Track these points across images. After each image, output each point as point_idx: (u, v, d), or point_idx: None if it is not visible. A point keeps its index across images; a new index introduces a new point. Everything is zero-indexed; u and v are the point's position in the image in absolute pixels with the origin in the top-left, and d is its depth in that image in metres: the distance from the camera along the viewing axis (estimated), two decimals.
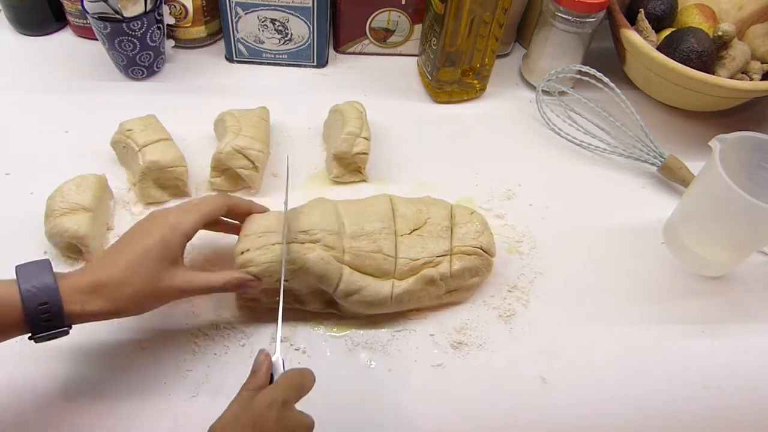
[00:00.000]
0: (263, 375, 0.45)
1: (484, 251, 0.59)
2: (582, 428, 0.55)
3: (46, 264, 0.45)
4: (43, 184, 0.61)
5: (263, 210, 0.58)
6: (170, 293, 0.50)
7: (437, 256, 0.57)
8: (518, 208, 0.70)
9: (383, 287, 0.55)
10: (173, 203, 0.66)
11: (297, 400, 0.45)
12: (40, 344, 0.54)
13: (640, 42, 0.74)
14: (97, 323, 0.55)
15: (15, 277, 0.44)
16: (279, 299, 0.51)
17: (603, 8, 0.75)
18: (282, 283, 0.52)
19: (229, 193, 0.62)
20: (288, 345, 0.56)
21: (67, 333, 0.46)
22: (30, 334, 0.45)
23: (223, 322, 0.57)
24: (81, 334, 0.55)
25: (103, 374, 0.53)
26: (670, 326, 0.62)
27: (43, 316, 0.43)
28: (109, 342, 0.55)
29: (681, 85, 0.74)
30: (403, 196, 0.61)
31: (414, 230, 0.58)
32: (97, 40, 0.76)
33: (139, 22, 0.72)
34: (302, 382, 0.46)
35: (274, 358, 0.47)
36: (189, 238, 0.51)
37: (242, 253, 0.53)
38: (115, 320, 0.56)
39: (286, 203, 0.56)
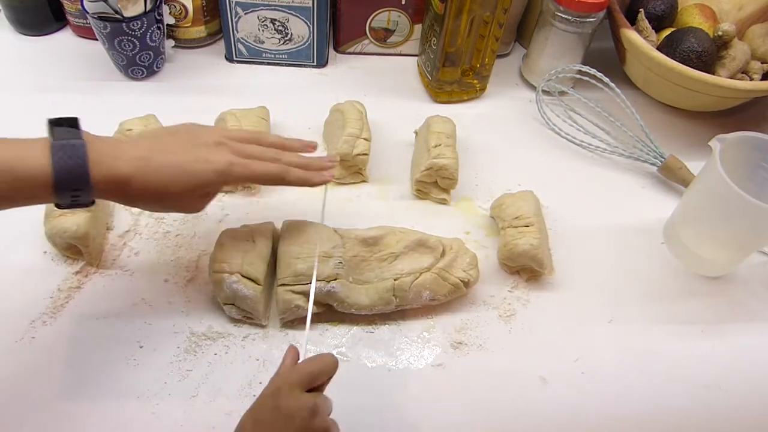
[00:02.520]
0: (287, 365, 0.46)
1: (464, 285, 0.59)
2: (582, 428, 0.55)
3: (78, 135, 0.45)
4: None
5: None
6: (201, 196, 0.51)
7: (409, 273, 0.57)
8: None
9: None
10: None
11: (309, 385, 0.44)
12: (36, 346, 0.54)
13: (640, 42, 0.74)
14: (96, 322, 0.56)
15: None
16: (308, 307, 0.51)
17: (603, 8, 0.75)
18: (312, 293, 0.52)
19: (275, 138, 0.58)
20: (291, 342, 0.56)
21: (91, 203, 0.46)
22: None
23: (222, 322, 0.57)
24: (81, 333, 0.55)
25: (102, 374, 0.53)
26: (670, 326, 0.62)
27: (73, 194, 0.44)
28: (109, 342, 0.55)
29: (681, 85, 0.74)
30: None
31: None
32: (97, 40, 0.76)
33: (139, 22, 0.72)
34: (317, 367, 0.45)
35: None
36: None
37: None
38: (114, 320, 0.56)
39: (323, 212, 0.56)
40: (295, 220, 0.60)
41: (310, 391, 0.44)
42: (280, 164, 0.53)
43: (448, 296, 0.59)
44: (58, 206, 0.45)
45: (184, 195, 0.48)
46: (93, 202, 0.46)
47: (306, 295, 0.54)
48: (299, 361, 0.46)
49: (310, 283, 0.54)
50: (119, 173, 0.45)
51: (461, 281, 0.58)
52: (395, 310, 0.58)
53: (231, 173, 0.49)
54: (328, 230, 0.58)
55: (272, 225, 0.59)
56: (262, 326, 0.57)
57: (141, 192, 0.46)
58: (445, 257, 0.59)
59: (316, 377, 0.45)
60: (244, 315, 0.56)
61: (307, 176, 0.55)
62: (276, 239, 0.59)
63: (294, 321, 0.57)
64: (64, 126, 0.44)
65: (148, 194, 0.47)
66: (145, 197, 0.47)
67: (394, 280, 0.57)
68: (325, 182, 0.56)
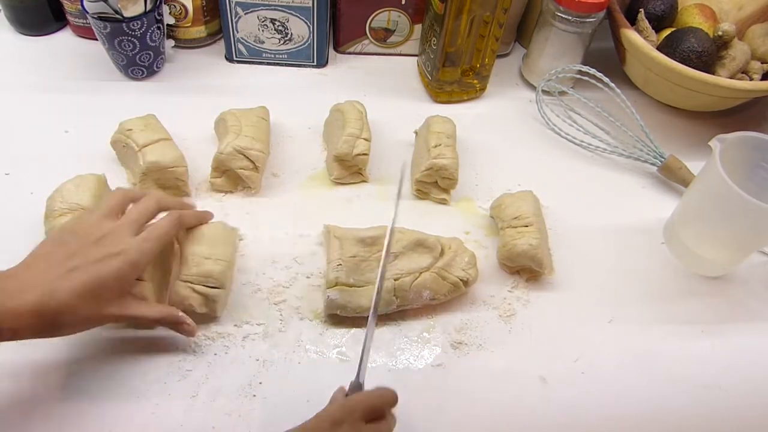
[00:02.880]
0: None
1: (463, 284, 0.59)
2: (582, 428, 0.55)
3: None
4: (43, 184, 0.61)
5: (206, 218, 0.57)
6: (109, 320, 0.49)
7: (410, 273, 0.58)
8: None
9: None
10: None
11: (371, 417, 0.45)
12: (36, 347, 0.54)
13: (640, 42, 0.74)
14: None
15: None
16: (370, 315, 0.52)
17: (603, 8, 0.75)
18: (375, 300, 0.52)
19: (160, 196, 0.56)
20: (290, 342, 0.57)
21: None
22: None
23: (223, 322, 0.57)
24: (81, 333, 0.55)
25: (102, 374, 0.53)
26: (670, 326, 0.62)
27: None
28: (108, 341, 0.55)
29: (681, 85, 0.74)
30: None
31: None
32: (97, 40, 0.76)
33: (139, 22, 0.72)
34: (379, 402, 0.46)
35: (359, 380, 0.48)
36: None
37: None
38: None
39: (394, 219, 0.56)
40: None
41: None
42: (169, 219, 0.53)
43: (447, 295, 0.59)
44: None
45: (95, 317, 0.47)
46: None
47: (205, 298, 0.54)
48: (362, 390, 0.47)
49: (217, 287, 0.54)
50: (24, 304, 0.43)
51: (461, 280, 0.58)
52: (396, 311, 0.58)
53: (136, 264, 0.48)
54: (227, 230, 0.59)
55: None
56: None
57: (51, 328, 0.45)
58: (444, 256, 0.59)
59: (378, 410, 0.46)
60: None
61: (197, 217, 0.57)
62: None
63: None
64: None
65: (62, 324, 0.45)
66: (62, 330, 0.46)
67: (395, 280, 0.57)
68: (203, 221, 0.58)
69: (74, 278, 0.45)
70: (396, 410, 0.53)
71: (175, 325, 0.52)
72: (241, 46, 0.82)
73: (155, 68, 0.80)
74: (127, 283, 0.49)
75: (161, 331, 0.56)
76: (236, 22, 0.79)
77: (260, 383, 0.54)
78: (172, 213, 0.53)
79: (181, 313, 0.52)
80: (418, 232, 0.60)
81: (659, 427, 0.55)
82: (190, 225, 0.56)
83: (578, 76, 0.78)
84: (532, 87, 0.85)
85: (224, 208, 0.66)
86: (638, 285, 0.65)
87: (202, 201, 0.67)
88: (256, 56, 0.84)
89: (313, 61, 0.85)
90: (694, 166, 0.70)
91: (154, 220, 0.53)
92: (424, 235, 0.60)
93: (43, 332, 0.45)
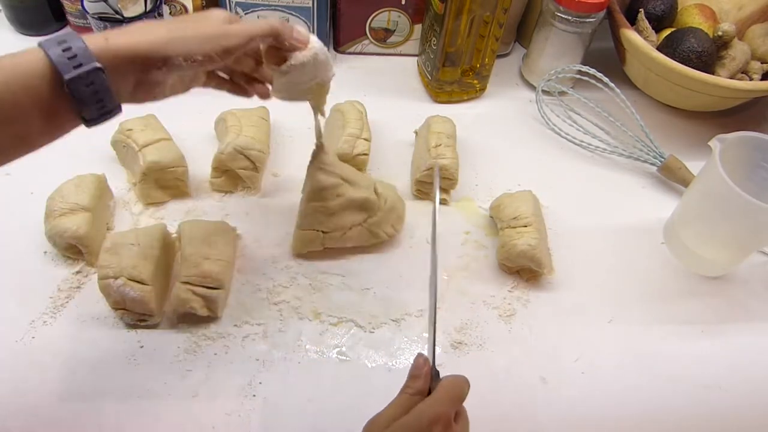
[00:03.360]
0: (423, 380, 0.46)
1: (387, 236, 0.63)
2: (582, 428, 0.55)
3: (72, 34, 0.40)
4: (43, 184, 0.61)
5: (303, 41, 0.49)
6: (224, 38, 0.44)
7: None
8: None
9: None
10: (173, 204, 0.66)
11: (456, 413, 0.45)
12: (36, 346, 0.54)
13: (640, 42, 0.74)
14: (96, 322, 0.56)
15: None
16: (432, 309, 0.50)
17: (603, 8, 0.75)
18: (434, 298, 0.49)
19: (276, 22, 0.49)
20: (290, 342, 0.57)
21: (119, 109, 0.42)
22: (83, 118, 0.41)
23: (223, 322, 0.57)
24: (81, 333, 0.55)
25: (102, 374, 0.53)
26: (670, 326, 0.62)
27: (88, 88, 0.39)
28: (109, 342, 0.55)
29: (681, 85, 0.74)
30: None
31: None
32: None
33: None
34: (461, 393, 0.45)
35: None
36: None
37: None
38: (114, 320, 0.56)
39: (434, 218, 0.54)
40: (195, 220, 0.61)
41: None
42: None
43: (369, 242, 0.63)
44: (85, 122, 0.41)
45: (212, 22, 0.44)
46: (119, 107, 0.42)
47: (205, 299, 0.55)
48: (440, 380, 0.46)
49: (216, 287, 0.55)
50: (128, 39, 0.41)
51: (386, 234, 0.63)
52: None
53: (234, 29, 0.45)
54: (227, 230, 0.59)
55: (162, 225, 0.59)
56: (156, 325, 0.56)
57: (168, 34, 0.42)
58: (379, 212, 0.62)
59: (461, 403, 0.45)
60: (138, 319, 0.56)
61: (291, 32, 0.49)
62: (167, 239, 0.59)
63: (185, 315, 0.57)
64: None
65: (177, 30, 0.42)
66: (175, 37, 0.42)
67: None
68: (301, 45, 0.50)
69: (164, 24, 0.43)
70: None
71: (280, 35, 0.47)
72: None
73: None
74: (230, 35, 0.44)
75: (161, 331, 0.56)
76: None
77: (260, 383, 0.54)
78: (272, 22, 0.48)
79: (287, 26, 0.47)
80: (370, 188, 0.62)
81: (659, 427, 0.55)
82: (281, 44, 0.49)
83: (578, 76, 0.78)
84: (532, 87, 0.85)
85: (224, 208, 0.66)
86: (638, 285, 0.65)
87: (203, 201, 0.67)
88: None
89: None
90: (694, 166, 0.70)
91: None
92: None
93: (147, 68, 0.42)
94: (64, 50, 0.39)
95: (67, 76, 0.38)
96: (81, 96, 0.39)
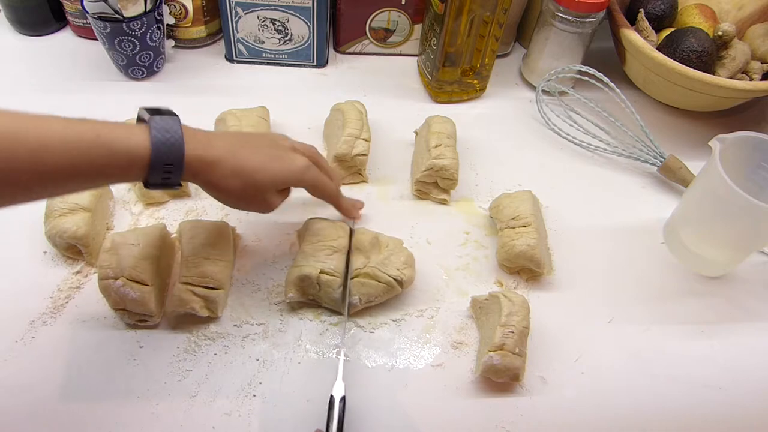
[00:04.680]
0: None
1: (398, 283, 0.57)
2: (582, 428, 0.55)
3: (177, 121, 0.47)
4: None
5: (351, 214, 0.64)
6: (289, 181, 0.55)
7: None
8: None
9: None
10: (173, 204, 0.66)
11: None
12: (36, 346, 0.54)
13: (640, 42, 0.74)
14: (96, 322, 0.56)
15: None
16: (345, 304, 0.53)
17: (603, 8, 0.75)
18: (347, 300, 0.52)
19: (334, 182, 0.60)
20: (290, 342, 0.57)
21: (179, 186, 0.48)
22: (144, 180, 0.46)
23: (222, 322, 0.57)
24: (80, 333, 0.55)
25: (102, 374, 0.53)
26: (670, 326, 0.62)
27: (165, 172, 0.45)
28: (109, 342, 0.55)
29: (681, 85, 0.74)
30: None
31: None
32: (97, 40, 0.76)
33: (138, 22, 0.72)
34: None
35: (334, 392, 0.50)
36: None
37: None
38: (114, 320, 0.56)
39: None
40: (195, 220, 0.61)
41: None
42: (336, 185, 0.60)
43: (383, 296, 0.58)
44: (146, 185, 0.46)
45: (265, 185, 0.52)
46: (180, 185, 0.48)
47: (205, 300, 0.55)
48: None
49: (216, 288, 0.55)
50: (210, 155, 0.48)
51: (395, 280, 0.57)
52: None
53: (306, 175, 0.54)
54: (226, 230, 0.59)
55: (162, 225, 0.59)
56: (156, 326, 0.57)
57: (228, 176, 0.49)
58: (380, 255, 0.58)
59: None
60: (137, 319, 0.56)
61: (351, 208, 0.63)
62: (167, 239, 0.59)
63: (185, 315, 0.57)
64: (163, 114, 0.47)
65: (234, 180, 0.50)
66: (230, 183, 0.50)
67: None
68: (357, 219, 0.65)
69: (253, 150, 0.52)
70: (396, 410, 0.53)
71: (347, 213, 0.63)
72: (241, 46, 0.82)
73: (155, 68, 0.80)
74: (287, 182, 0.55)
75: (161, 332, 0.56)
76: (236, 22, 0.79)
77: (260, 383, 0.54)
78: (336, 185, 0.60)
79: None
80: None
81: (659, 427, 0.55)
82: (340, 206, 0.62)
83: (578, 76, 0.78)
84: (532, 87, 0.85)
85: (224, 208, 0.66)
86: (638, 285, 0.65)
87: (203, 201, 0.67)
88: (256, 56, 0.84)
89: (313, 61, 0.85)
90: (694, 166, 0.70)
91: None
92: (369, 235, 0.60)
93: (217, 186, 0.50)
94: (166, 148, 0.44)
95: (153, 181, 0.46)
96: (155, 182, 0.46)
